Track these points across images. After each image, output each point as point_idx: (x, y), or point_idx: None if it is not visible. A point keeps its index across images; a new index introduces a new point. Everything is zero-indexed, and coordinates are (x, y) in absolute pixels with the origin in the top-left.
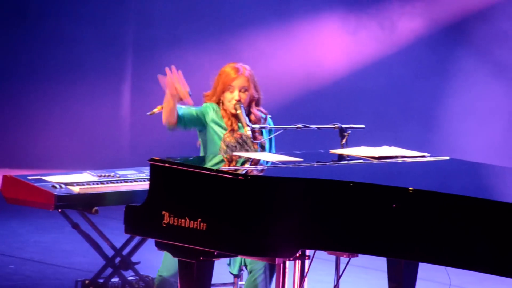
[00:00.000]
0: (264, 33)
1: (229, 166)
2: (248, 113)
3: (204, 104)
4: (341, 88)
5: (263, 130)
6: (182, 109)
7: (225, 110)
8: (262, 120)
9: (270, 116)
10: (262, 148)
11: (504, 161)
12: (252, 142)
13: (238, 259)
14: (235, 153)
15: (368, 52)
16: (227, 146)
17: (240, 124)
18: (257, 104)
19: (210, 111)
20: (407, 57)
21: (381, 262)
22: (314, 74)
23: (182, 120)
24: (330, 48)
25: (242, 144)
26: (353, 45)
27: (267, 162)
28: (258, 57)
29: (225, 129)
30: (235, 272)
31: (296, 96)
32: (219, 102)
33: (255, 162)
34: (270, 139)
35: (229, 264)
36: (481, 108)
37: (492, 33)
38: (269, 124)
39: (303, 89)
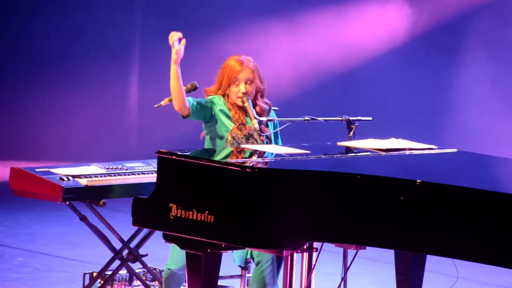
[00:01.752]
0: (269, 25)
1: (237, 158)
2: (254, 105)
3: (210, 96)
4: (348, 80)
5: (269, 123)
6: (192, 100)
7: (231, 104)
8: (266, 112)
9: (276, 108)
10: (269, 141)
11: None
12: (259, 135)
13: (243, 250)
14: (242, 145)
15: (376, 43)
16: (233, 138)
17: (248, 118)
18: (262, 96)
19: (219, 102)
20: (415, 48)
21: (388, 255)
22: (319, 66)
23: (194, 112)
24: (335, 39)
25: (248, 137)
26: (360, 37)
27: (274, 154)
28: (264, 49)
29: (232, 122)
30: (237, 262)
31: (302, 88)
32: (224, 96)
33: (263, 154)
34: (276, 132)
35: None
36: (491, 99)
37: (504, 23)
38: (273, 116)
39: (310, 81)
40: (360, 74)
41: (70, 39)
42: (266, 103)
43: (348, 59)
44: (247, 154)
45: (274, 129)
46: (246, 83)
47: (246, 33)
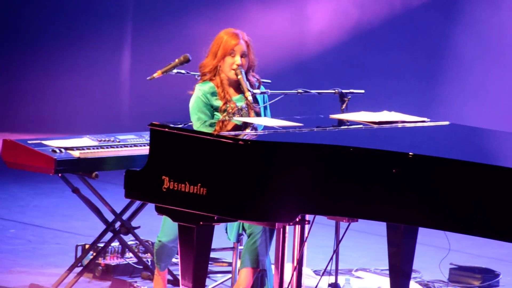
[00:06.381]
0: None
1: (229, 130)
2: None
3: (194, 105)
4: (339, 53)
5: (257, 96)
6: (207, 120)
7: (220, 79)
8: (255, 87)
9: (268, 81)
10: (258, 115)
11: (504, 125)
12: (252, 108)
13: (235, 226)
14: (235, 118)
15: (367, 14)
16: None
17: (234, 98)
18: (253, 70)
19: (205, 100)
20: (405, 20)
21: (380, 227)
22: (310, 39)
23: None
24: (324, 12)
25: (234, 114)
26: (349, 7)
27: (267, 127)
28: (258, 23)
29: (217, 109)
30: (233, 239)
31: (293, 62)
32: (215, 69)
33: (255, 127)
34: (265, 107)
35: (226, 232)
36: (481, 73)
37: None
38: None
39: (300, 54)
40: (355, 45)
41: (60, 8)
42: (256, 78)
43: (342, 30)
44: (239, 127)
45: (265, 102)
46: (241, 56)
47: (245, 6)
